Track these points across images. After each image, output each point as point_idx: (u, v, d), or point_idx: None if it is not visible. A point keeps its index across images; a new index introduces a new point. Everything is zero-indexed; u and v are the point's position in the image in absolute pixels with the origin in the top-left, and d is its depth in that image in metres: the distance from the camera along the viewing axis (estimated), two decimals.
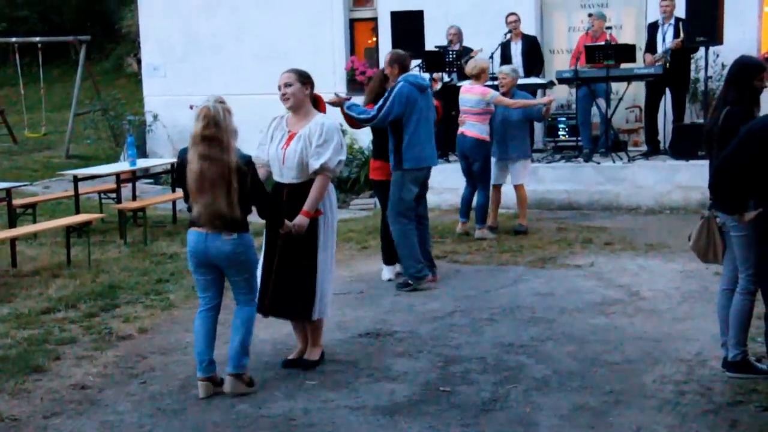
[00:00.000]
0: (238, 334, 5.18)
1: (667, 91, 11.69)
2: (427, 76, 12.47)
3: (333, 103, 7.09)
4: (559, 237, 9.35)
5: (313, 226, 5.46)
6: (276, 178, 5.60)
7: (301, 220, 5.37)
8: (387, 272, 7.86)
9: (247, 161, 4.98)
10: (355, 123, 7.52)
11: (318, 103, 5.67)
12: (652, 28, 11.65)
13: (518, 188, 9.71)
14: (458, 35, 12.46)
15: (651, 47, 11.59)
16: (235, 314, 5.26)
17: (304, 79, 5.50)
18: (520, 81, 11.55)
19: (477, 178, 9.41)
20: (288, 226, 5.33)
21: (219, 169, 4.83)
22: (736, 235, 5.05)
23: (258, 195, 5.07)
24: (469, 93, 9.34)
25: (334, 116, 6.02)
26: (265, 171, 5.57)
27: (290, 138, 5.46)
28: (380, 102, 7.27)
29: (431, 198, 11.38)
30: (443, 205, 11.41)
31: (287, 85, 5.45)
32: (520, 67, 12.06)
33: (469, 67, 9.50)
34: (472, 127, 9.29)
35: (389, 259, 7.82)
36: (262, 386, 5.29)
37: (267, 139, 5.60)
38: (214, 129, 4.82)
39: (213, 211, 4.90)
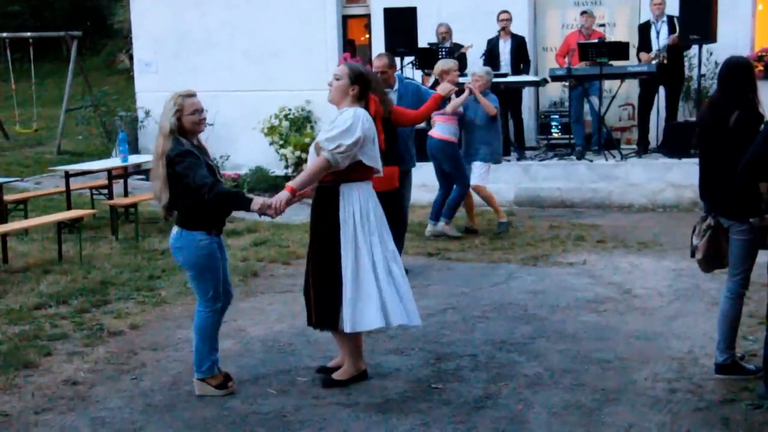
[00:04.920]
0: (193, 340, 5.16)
1: (661, 89, 11.72)
2: (419, 73, 12.53)
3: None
4: (552, 235, 9.35)
5: (334, 232, 5.06)
6: None
7: (281, 194, 4.92)
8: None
9: (179, 152, 4.81)
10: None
11: (368, 105, 5.26)
12: (645, 28, 11.67)
13: (475, 188, 9.44)
14: (449, 32, 12.46)
15: (645, 46, 11.60)
16: None
17: (355, 78, 5.10)
18: (512, 78, 11.59)
19: (452, 178, 9.27)
20: (263, 204, 4.84)
21: (155, 155, 4.96)
22: (739, 239, 5.00)
23: (189, 182, 4.80)
24: None
25: None
26: None
27: None
28: None
29: (421, 195, 11.42)
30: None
31: (336, 78, 5.13)
32: (507, 65, 12.10)
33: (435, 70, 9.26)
34: (438, 128, 9.19)
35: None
36: (253, 383, 5.28)
37: None
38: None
39: (154, 195, 5.01)
